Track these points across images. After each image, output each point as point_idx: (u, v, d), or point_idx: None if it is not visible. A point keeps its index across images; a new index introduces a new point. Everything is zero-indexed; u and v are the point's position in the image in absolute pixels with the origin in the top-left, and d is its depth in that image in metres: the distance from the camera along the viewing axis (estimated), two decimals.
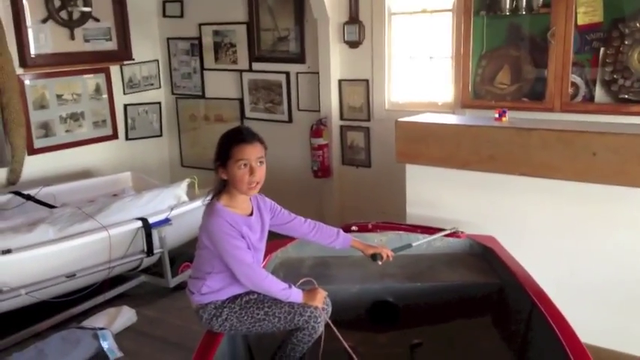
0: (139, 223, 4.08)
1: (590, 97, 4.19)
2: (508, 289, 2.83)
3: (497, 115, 3.52)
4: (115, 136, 6.12)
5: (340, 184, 5.55)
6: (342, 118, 5.41)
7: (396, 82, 5.16)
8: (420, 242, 3.06)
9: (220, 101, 6.20)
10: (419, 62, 5.06)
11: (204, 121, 6.40)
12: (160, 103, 6.52)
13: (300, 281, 2.60)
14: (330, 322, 2.51)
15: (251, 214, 2.44)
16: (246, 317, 2.36)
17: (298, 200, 5.81)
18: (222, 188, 2.37)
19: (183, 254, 4.48)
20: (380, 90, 5.17)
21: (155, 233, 4.15)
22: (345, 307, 2.93)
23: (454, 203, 3.53)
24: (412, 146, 3.68)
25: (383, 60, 5.10)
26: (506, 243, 3.11)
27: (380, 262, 2.76)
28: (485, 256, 3.12)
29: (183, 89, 6.43)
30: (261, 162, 2.33)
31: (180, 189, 4.53)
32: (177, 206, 4.33)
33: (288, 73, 5.64)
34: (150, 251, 4.14)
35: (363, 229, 3.25)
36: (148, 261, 4.27)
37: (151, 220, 4.12)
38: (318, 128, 5.32)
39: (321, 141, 5.31)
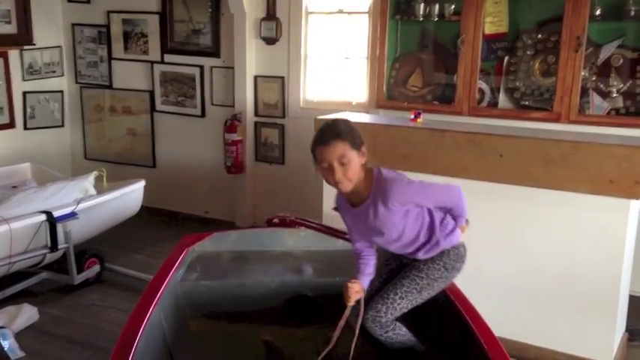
0: (43, 217, 3.87)
1: (494, 103, 4.44)
2: None
3: (412, 117, 3.64)
4: (12, 124, 5.76)
5: (253, 181, 5.54)
6: (256, 114, 5.40)
7: (311, 80, 5.22)
8: None
9: (129, 92, 5.99)
10: (334, 62, 5.14)
11: (111, 112, 6.16)
12: (62, 91, 6.21)
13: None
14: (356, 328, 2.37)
15: (357, 206, 2.33)
16: None
17: (210, 195, 5.77)
18: None
19: (89, 250, 4.30)
20: (295, 87, 5.20)
21: (60, 227, 3.94)
22: (263, 301, 2.94)
23: None
24: None
25: (299, 58, 5.14)
26: None
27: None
28: None
29: (89, 78, 6.15)
30: (342, 161, 2.17)
31: (88, 182, 4.33)
32: (84, 200, 4.14)
33: (202, 67, 5.55)
34: (54, 246, 3.94)
35: (282, 222, 3.26)
36: (51, 256, 4.05)
37: (55, 214, 3.91)
38: (232, 124, 5.27)
39: (235, 136, 5.27)
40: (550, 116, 4.09)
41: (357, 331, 2.34)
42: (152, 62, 5.78)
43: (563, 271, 3.23)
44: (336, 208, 2.49)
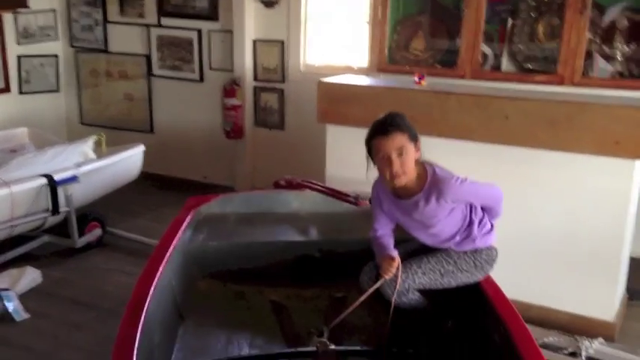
0: (44, 180, 3.84)
1: (497, 66, 4.42)
2: None
3: (416, 79, 3.61)
4: (7, 89, 5.70)
5: (252, 146, 5.51)
6: (255, 78, 5.34)
7: (311, 44, 5.15)
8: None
9: (125, 57, 5.91)
10: (335, 25, 5.07)
11: (107, 77, 6.09)
12: (57, 56, 6.12)
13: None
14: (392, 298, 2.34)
15: (403, 198, 2.32)
16: None
17: (209, 160, 5.75)
18: None
19: (91, 214, 4.29)
20: (295, 52, 5.14)
21: (61, 191, 3.92)
22: (270, 262, 2.95)
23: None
24: (334, 107, 3.70)
25: (299, 21, 5.07)
26: None
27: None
28: None
29: (84, 42, 6.06)
30: (400, 153, 2.18)
31: (87, 146, 4.30)
32: (84, 163, 4.11)
33: (199, 31, 5.46)
34: (55, 210, 3.92)
35: (289, 184, 3.25)
36: (52, 220, 4.04)
37: (56, 177, 3.89)
38: (231, 88, 5.22)
39: (234, 101, 5.22)
40: (554, 79, 4.08)
41: (393, 302, 2.34)
42: (148, 26, 5.69)
43: (567, 232, 3.25)
44: (370, 200, 2.52)
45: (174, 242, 2.66)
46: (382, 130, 2.21)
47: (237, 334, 2.56)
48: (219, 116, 5.48)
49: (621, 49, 4.04)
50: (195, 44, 5.51)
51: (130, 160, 4.53)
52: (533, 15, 4.28)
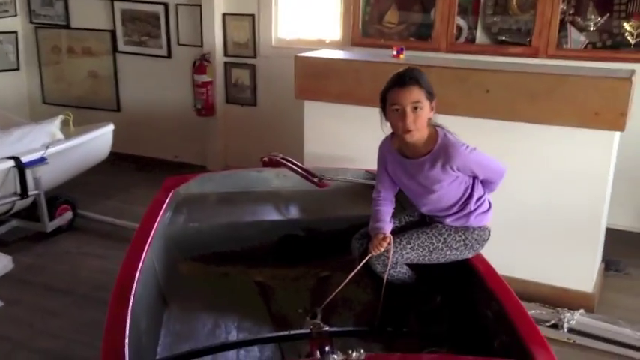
0: (11, 163, 3.69)
1: (471, 39, 4.39)
2: None
3: (394, 53, 3.56)
4: None
5: (224, 123, 5.41)
6: (226, 54, 5.22)
7: (283, 18, 5.04)
8: None
9: (88, 32, 5.71)
10: None
11: (70, 54, 5.88)
12: (16, 32, 5.89)
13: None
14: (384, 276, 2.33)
15: (409, 158, 2.28)
16: None
17: (179, 139, 5.62)
18: None
19: (61, 196, 4.15)
20: (266, 26, 5.03)
21: (29, 174, 3.78)
22: (253, 242, 2.89)
23: (354, 140, 3.56)
24: (311, 82, 3.63)
25: None
26: None
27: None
28: None
29: (44, 18, 5.83)
30: (416, 107, 2.13)
31: (54, 126, 4.14)
32: (52, 144, 3.97)
33: (166, 5, 5.30)
34: (24, 193, 3.78)
35: (271, 162, 3.19)
36: (21, 204, 3.90)
37: (24, 159, 3.74)
38: (201, 64, 5.10)
39: (205, 78, 5.10)
40: (528, 51, 4.07)
41: (385, 280, 2.32)
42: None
43: (546, 205, 3.27)
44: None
45: (156, 225, 2.58)
46: (400, 81, 2.17)
47: (224, 317, 2.51)
48: (189, 93, 5.35)
49: (594, 19, 4.06)
50: (161, 19, 5.35)
51: (100, 139, 4.39)
52: None
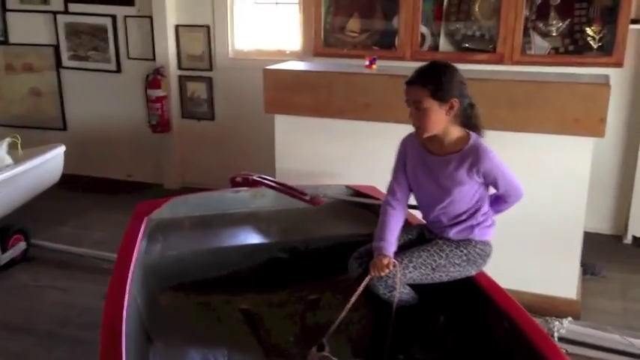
0: None
1: (435, 46, 4.35)
2: None
3: (367, 63, 3.47)
4: None
5: (180, 139, 5.19)
6: (180, 67, 5.02)
7: (239, 29, 4.88)
8: None
9: (28, 47, 5.40)
10: (264, 8, 4.83)
11: (9, 71, 5.54)
12: None
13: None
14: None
15: (435, 154, 2.19)
16: None
17: (133, 157, 5.38)
18: None
19: (13, 225, 3.85)
20: (222, 37, 4.86)
21: None
22: (234, 267, 2.72)
23: (329, 154, 3.44)
24: (282, 96, 3.49)
25: (225, 5, 4.79)
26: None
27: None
28: (370, 206, 3.08)
29: None
30: (417, 107, 2.11)
31: (2, 150, 3.84)
32: (2, 170, 3.67)
33: (114, 17, 5.05)
34: None
35: (245, 182, 3.02)
36: None
37: None
38: (155, 79, 4.87)
39: (159, 92, 4.88)
40: (494, 57, 4.06)
41: (395, 302, 2.20)
42: (54, 12, 5.21)
43: (528, 212, 3.21)
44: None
45: (135, 255, 2.38)
46: (407, 80, 2.15)
47: (212, 350, 2.35)
48: (142, 109, 5.11)
49: (556, 25, 4.09)
50: (109, 31, 5.09)
51: (51, 162, 4.10)
52: None
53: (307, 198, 2.92)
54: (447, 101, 2.10)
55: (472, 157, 2.14)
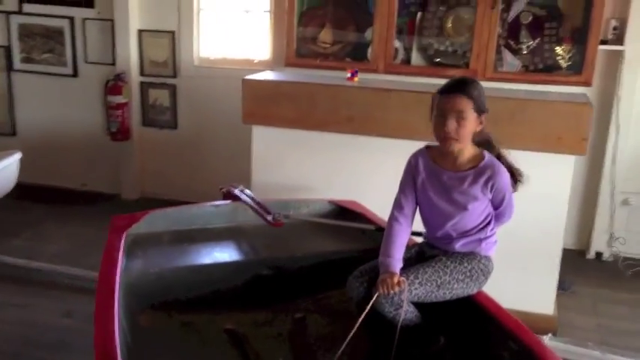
0: None
1: (407, 60, 4.34)
2: None
3: (349, 75, 3.41)
4: None
5: (140, 148, 4.99)
6: (142, 73, 4.84)
7: (206, 35, 4.74)
8: None
9: None
10: (232, 15, 4.71)
11: None
12: None
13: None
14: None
15: (448, 170, 2.16)
16: None
17: (88, 166, 5.15)
18: None
19: None
20: (188, 43, 4.71)
21: None
22: (217, 285, 2.60)
23: (309, 167, 3.35)
24: (261, 107, 3.37)
25: (191, 10, 4.65)
26: (369, 206, 3.04)
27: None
28: (353, 221, 3.01)
29: None
30: (459, 117, 2.06)
31: None
32: None
33: (72, 19, 4.83)
34: None
35: (227, 195, 2.90)
36: None
37: None
38: (116, 84, 4.67)
39: (120, 99, 4.68)
40: (467, 73, 4.06)
41: (400, 320, 2.14)
42: (7, 12, 4.95)
43: (507, 229, 3.21)
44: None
45: (118, 274, 2.23)
46: (449, 89, 2.12)
47: None
48: (99, 115, 4.90)
49: (526, 43, 4.15)
50: (66, 34, 4.86)
51: (6, 170, 3.85)
52: (442, 8, 4.25)
53: (269, 218, 2.79)
54: (481, 115, 2.13)
55: (489, 173, 2.14)
